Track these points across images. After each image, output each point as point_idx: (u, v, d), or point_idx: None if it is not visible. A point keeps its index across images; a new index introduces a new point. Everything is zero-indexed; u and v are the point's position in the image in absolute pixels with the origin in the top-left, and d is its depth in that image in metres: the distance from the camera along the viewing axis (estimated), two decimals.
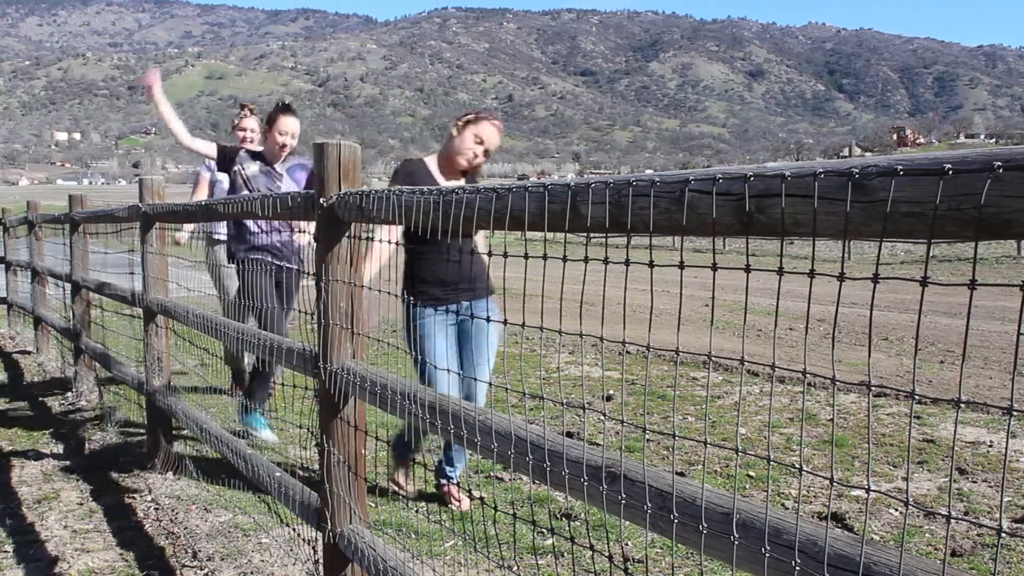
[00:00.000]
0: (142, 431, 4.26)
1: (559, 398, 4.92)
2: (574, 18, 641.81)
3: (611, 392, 5.22)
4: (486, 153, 3.18)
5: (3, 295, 9.18)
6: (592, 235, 1.45)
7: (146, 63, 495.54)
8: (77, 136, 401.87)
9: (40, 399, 5.52)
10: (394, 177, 3.17)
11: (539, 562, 2.71)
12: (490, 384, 2.87)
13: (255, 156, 4.22)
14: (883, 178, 0.85)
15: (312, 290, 2.14)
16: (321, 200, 2.07)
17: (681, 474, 2.14)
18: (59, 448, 4.30)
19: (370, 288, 2.03)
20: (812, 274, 0.91)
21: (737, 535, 1.04)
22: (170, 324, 3.87)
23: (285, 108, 4.20)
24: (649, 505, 1.16)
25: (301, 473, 3.70)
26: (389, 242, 2.43)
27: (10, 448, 4.29)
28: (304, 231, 4.16)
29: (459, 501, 3.26)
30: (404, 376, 1.89)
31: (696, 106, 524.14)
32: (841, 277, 0.91)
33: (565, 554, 2.79)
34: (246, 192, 4.04)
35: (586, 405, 1.36)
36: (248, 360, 4.90)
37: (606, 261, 1.26)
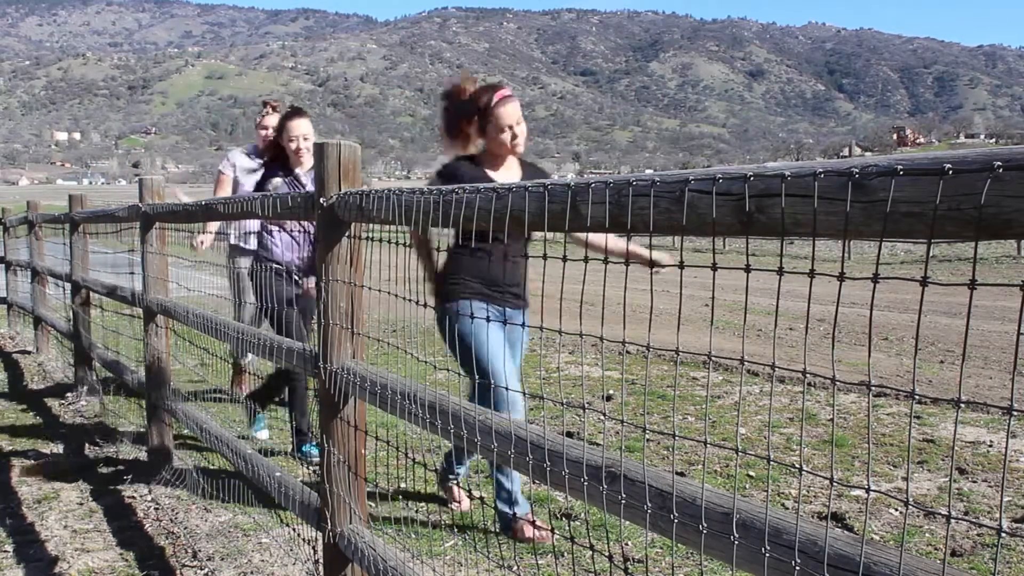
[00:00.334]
0: (142, 431, 4.26)
1: (559, 398, 4.92)
2: (574, 18, 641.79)
3: (611, 392, 5.22)
4: (518, 132, 2.92)
5: (3, 295, 9.18)
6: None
7: (146, 63, 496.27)
8: (77, 136, 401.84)
9: (40, 399, 5.52)
10: (437, 176, 2.96)
11: (539, 562, 2.71)
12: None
13: (276, 169, 4.04)
14: (883, 178, 0.85)
15: None
16: (321, 200, 2.07)
17: (681, 474, 2.14)
18: (59, 448, 4.30)
19: (370, 288, 2.03)
20: (812, 274, 0.91)
21: (737, 535, 1.04)
22: (170, 324, 3.87)
23: (293, 111, 4.07)
24: (649, 505, 1.16)
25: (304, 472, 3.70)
26: (438, 249, 2.38)
27: (10, 448, 4.29)
28: None
29: (459, 502, 3.24)
30: (404, 376, 1.89)
31: (696, 106, 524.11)
32: (841, 277, 0.91)
33: (565, 554, 2.79)
34: None
35: (586, 405, 1.36)
36: (250, 358, 4.86)
37: (606, 261, 1.26)
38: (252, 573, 2.73)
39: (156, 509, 3.38)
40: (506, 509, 2.91)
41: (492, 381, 2.72)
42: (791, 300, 10.15)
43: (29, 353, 7.38)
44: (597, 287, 1.46)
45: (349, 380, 2.01)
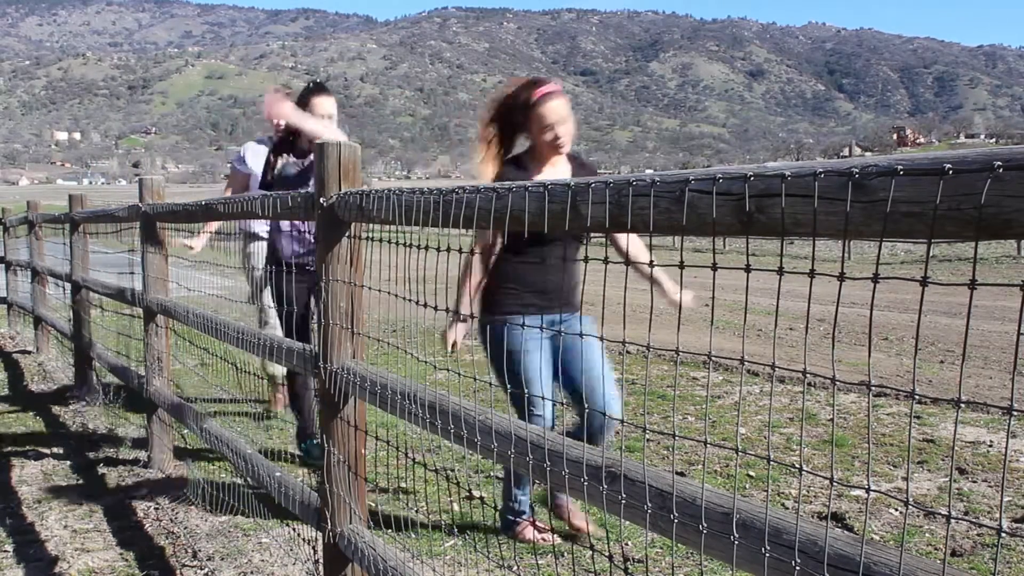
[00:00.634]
0: (142, 431, 4.26)
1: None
2: (574, 18, 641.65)
3: None
4: (561, 132, 2.73)
5: (3, 295, 9.18)
6: (592, 235, 1.45)
7: (146, 63, 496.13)
8: (77, 136, 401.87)
9: (40, 399, 5.52)
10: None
11: (539, 562, 2.71)
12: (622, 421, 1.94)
13: (286, 148, 3.72)
14: (883, 178, 0.85)
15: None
16: (321, 200, 2.07)
17: (681, 474, 2.14)
18: (59, 448, 4.30)
19: (370, 288, 2.03)
20: (812, 274, 0.91)
21: (737, 535, 1.04)
22: (170, 324, 3.87)
23: (318, 87, 3.72)
24: (649, 505, 1.16)
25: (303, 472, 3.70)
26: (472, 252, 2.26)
27: (10, 448, 4.29)
28: None
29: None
30: (404, 376, 1.89)
31: (696, 106, 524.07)
32: (841, 277, 0.91)
33: (565, 554, 2.79)
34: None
35: (586, 405, 1.36)
36: (281, 371, 4.38)
37: (606, 261, 1.26)
38: (252, 573, 2.73)
39: (156, 509, 3.38)
40: (511, 515, 2.86)
41: (529, 407, 2.63)
42: (791, 300, 10.15)
43: (29, 353, 7.38)
44: (597, 287, 1.46)
45: (349, 380, 2.01)
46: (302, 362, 2.31)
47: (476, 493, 3.35)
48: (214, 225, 4.45)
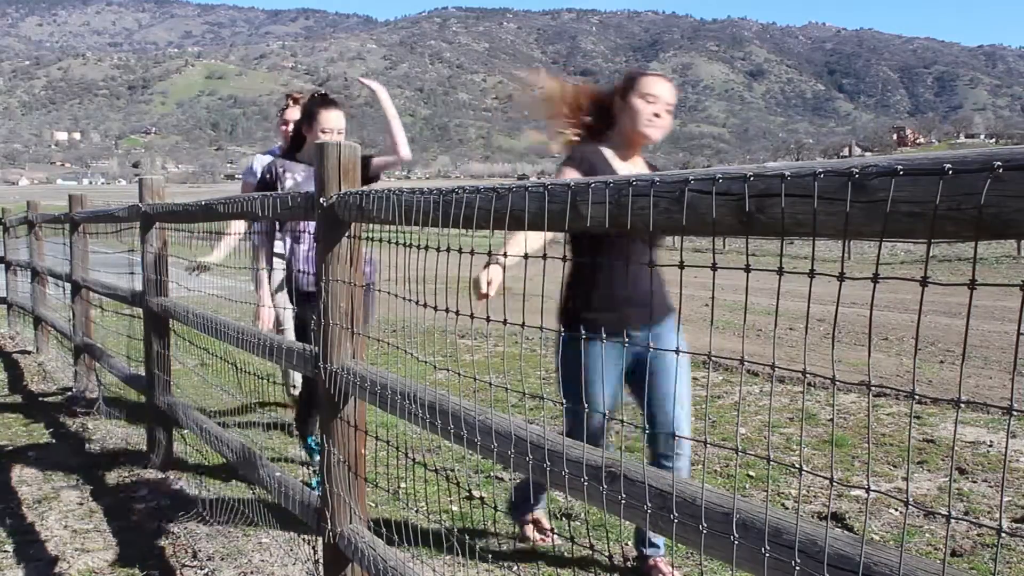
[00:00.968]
0: (142, 431, 4.26)
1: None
2: (574, 18, 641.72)
3: None
4: (667, 112, 2.54)
5: (3, 295, 9.18)
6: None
7: (146, 63, 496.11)
8: (77, 136, 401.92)
9: (40, 399, 5.52)
10: (567, 161, 2.53)
11: (538, 562, 2.71)
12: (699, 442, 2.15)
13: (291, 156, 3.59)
14: (883, 178, 0.85)
15: None
16: (321, 200, 2.07)
17: None
18: (59, 448, 4.30)
19: (371, 288, 2.03)
20: (812, 274, 0.91)
21: (737, 535, 1.04)
22: (170, 324, 3.86)
23: (325, 100, 3.55)
24: (649, 505, 1.16)
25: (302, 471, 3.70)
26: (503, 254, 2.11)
27: (10, 448, 4.29)
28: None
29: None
30: (404, 376, 1.89)
31: (696, 106, 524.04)
32: (841, 277, 0.91)
33: (565, 554, 2.79)
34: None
35: (586, 405, 1.36)
36: (297, 382, 4.20)
37: (606, 261, 1.26)
38: (252, 573, 2.72)
39: (156, 509, 3.38)
40: (516, 512, 2.84)
41: (586, 424, 2.42)
42: (791, 300, 10.15)
43: (29, 353, 7.38)
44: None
45: (349, 380, 2.01)
46: (302, 362, 2.31)
47: (476, 493, 3.35)
48: (233, 240, 4.13)
